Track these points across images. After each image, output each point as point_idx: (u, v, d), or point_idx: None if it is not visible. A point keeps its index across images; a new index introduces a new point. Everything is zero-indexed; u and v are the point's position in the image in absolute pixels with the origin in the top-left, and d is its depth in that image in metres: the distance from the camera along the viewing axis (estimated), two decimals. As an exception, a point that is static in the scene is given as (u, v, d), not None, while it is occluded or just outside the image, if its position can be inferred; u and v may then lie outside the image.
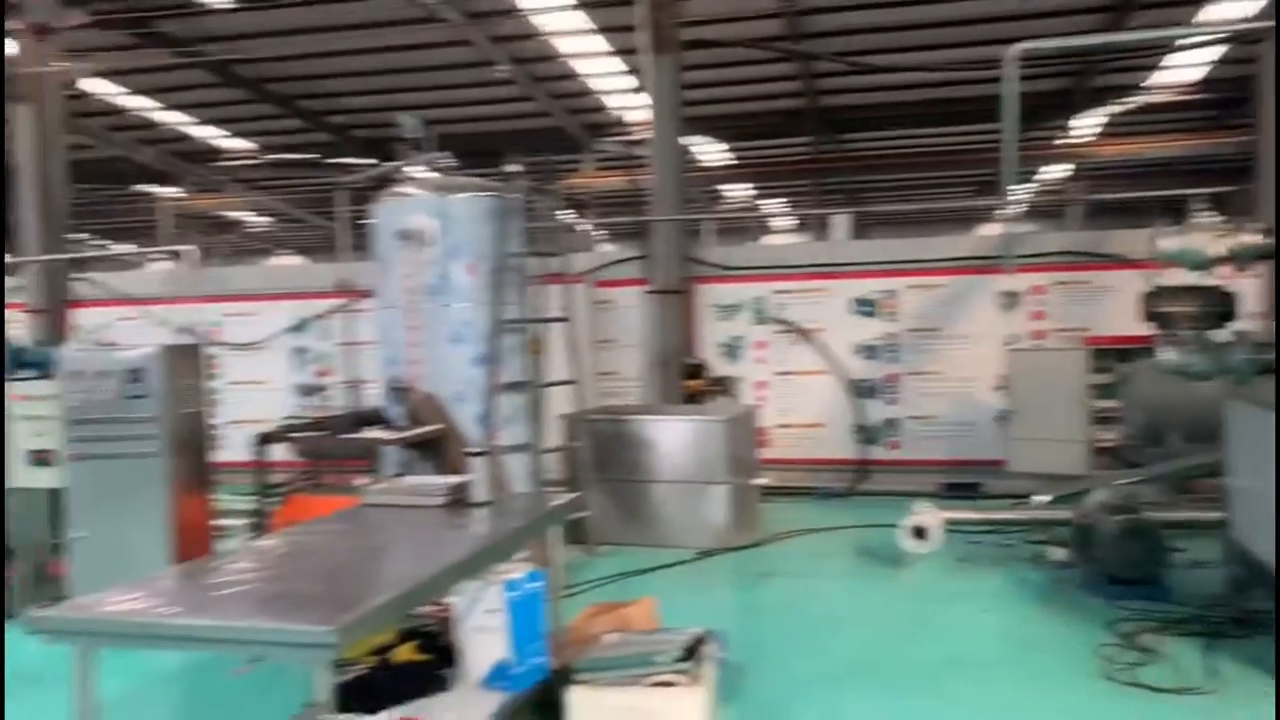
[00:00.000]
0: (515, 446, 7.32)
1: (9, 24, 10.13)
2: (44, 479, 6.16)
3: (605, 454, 8.03)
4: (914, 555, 7.12)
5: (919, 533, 7.09)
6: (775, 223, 29.44)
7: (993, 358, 9.69)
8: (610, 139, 18.06)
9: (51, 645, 3.07)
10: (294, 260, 31.56)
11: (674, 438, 8.07)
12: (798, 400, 10.37)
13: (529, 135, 19.41)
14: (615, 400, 10.22)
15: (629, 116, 15.41)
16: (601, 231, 24.37)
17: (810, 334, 10.28)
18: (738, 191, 24.89)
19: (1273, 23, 9.01)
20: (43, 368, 6.46)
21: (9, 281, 10.22)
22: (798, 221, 28.53)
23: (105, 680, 5.05)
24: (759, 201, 26.50)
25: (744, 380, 10.44)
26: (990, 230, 20.29)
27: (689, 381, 10.13)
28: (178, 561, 5.56)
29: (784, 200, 26.85)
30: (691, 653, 4.23)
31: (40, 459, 6.13)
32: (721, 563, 7.56)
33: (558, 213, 8.02)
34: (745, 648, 5.32)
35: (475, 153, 13.58)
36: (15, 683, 5.42)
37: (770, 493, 8.96)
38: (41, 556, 6.32)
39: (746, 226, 29.26)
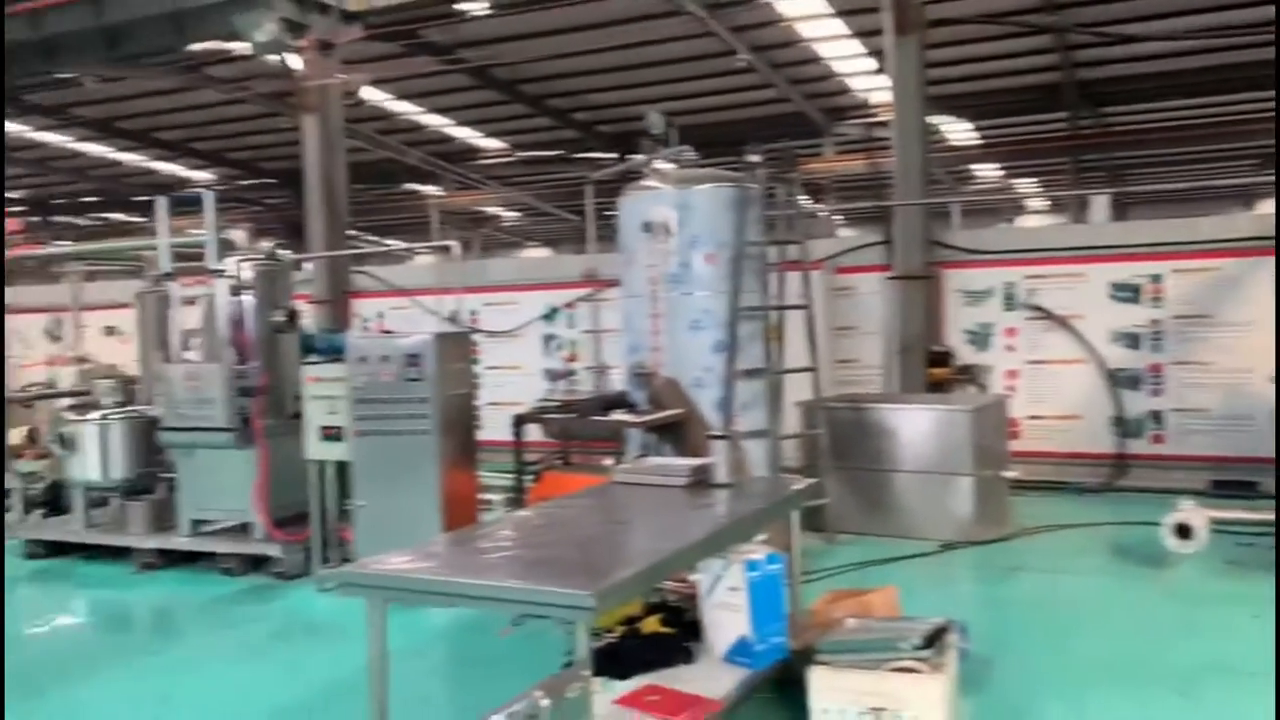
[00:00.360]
0: (754, 432, 7.45)
1: (298, 43, 11.21)
2: (333, 452, 6.84)
3: (844, 442, 8.01)
4: (1176, 555, 6.69)
5: (1183, 531, 6.65)
6: (1028, 204, 28.02)
7: (1271, 347, 8.88)
8: (851, 122, 17.84)
9: (346, 598, 3.44)
10: (542, 252, 33.04)
11: (917, 427, 7.94)
12: (1051, 390, 9.91)
13: (768, 122, 19.42)
14: (854, 388, 10.13)
15: (871, 99, 15.14)
16: (841, 217, 24.06)
17: (1065, 321, 9.79)
18: (987, 172, 23.90)
19: None
20: (333, 352, 7.18)
21: (298, 275, 11.33)
22: (1052, 202, 27.03)
23: (390, 636, 5.62)
24: (1010, 182, 25.33)
25: (992, 369, 10.08)
26: (1271, 208, 18.48)
27: (933, 370, 9.90)
28: (446, 530, 6.06)
29: (1037, 180, 25.54)
30: (933, 641, 4.20)
31: (330, 434, 6.81)
32: (966, 556, 7.39)
33: (798, 199, 8.02)
34: (989, 642, 5.21)
35: (715, 142, 13.79)
36: (305, 635, 6.11)
37: (1020, 486, 8.63)
38: (331, 522, 7.04)
39: (997, 208, 28.04)
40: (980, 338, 10.17)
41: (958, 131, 19.06)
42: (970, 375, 9.94)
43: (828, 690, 4.16)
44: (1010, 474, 8.24)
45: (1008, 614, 6.07)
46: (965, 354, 10.09)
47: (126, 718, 4.95)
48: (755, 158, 7.36)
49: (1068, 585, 6.63)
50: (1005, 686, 4.84)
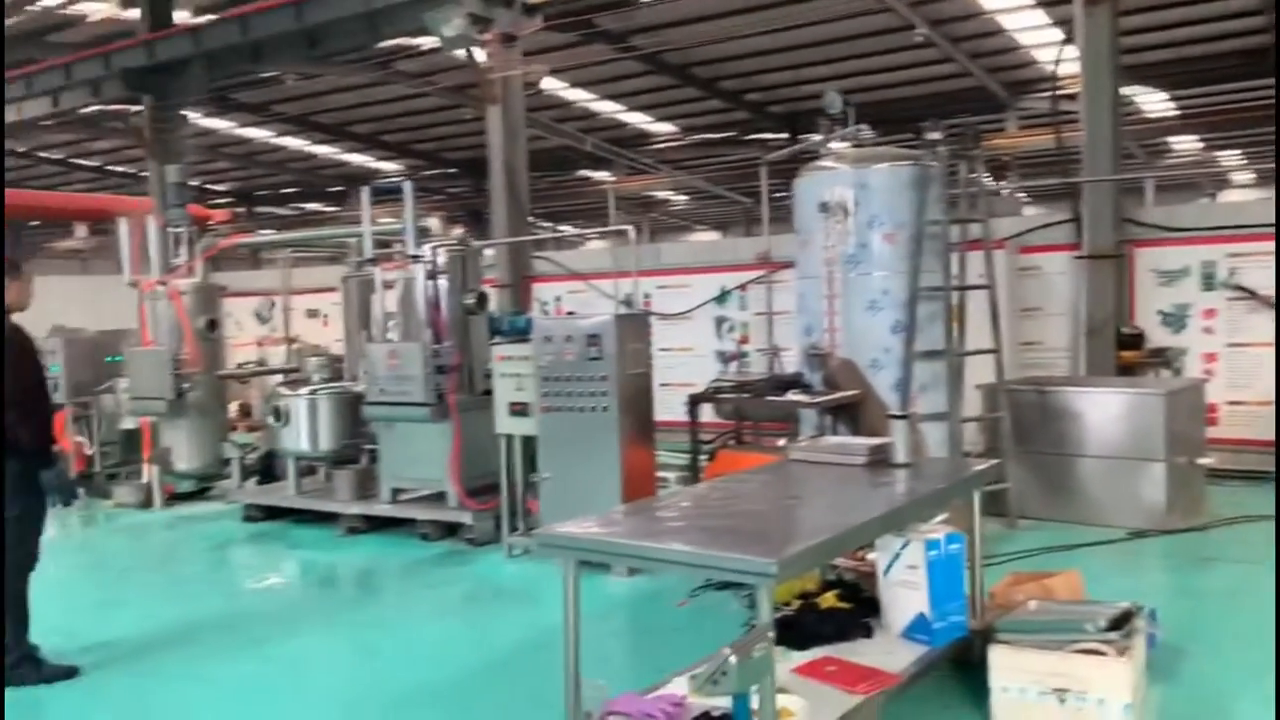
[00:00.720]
0: (933, 415, 7.38)
1: (481, 37, 11.67)
2: (521, 427, 7.19)
3: (1028, 426, 7.81)
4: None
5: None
6: (1232, 178, 26.22)
7: None
8: (1037, 96, 17.16)
9: (533, 565, 3.67)
10: (710, 236, 33.18)
11: (1106, 411, 7.66)
12: (1253, 375, 9.34)
13: (947, 98, 18.92)
14: (1039, 371, 9.83)
15: (1058, 70, 14.55)
16: (1026, 194, 23.15)
17: (1270, 302, 9.21)
18: (1186, 145, 22.51)
19: None
20: (517, 333, 7.54)
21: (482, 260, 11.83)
22: (1257, 175, 25.20)
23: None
24: (1212, 155, 23.77)
25: (1188, 352, 9.58)
26: None
27: (1124, 352, 9.49)
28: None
29: (1241, 152, 23.87)
30: (1120, 625, 4.12)
31: (517, 410, 7.15)
32: (1156, 544, 7.10)
33: (980, 176, 7.85)
34: (1181, 631, 5.05)
35: (891, 120, 13.58)
36: (494, 598, 6.47)
37: (1217, 475, 8.21)
38: (519, 493, 7.41)
39: (1196, 183, 26.36)
40: (1175, 319, 9.67)
41: (1152, 102, 18.05)
42: (1163, 358, 9.48)
43: (1008, 669, 4.15)
44: (1206, 461, 7.86)
45: (1201, 605, 5.83)
46: (1158, 336, 9.62)
47: (337, 667, 5.39)
48: (935, 135, 7.26)
49: (1266, 578, 6.29)
50: (1197, 677, 4.69)
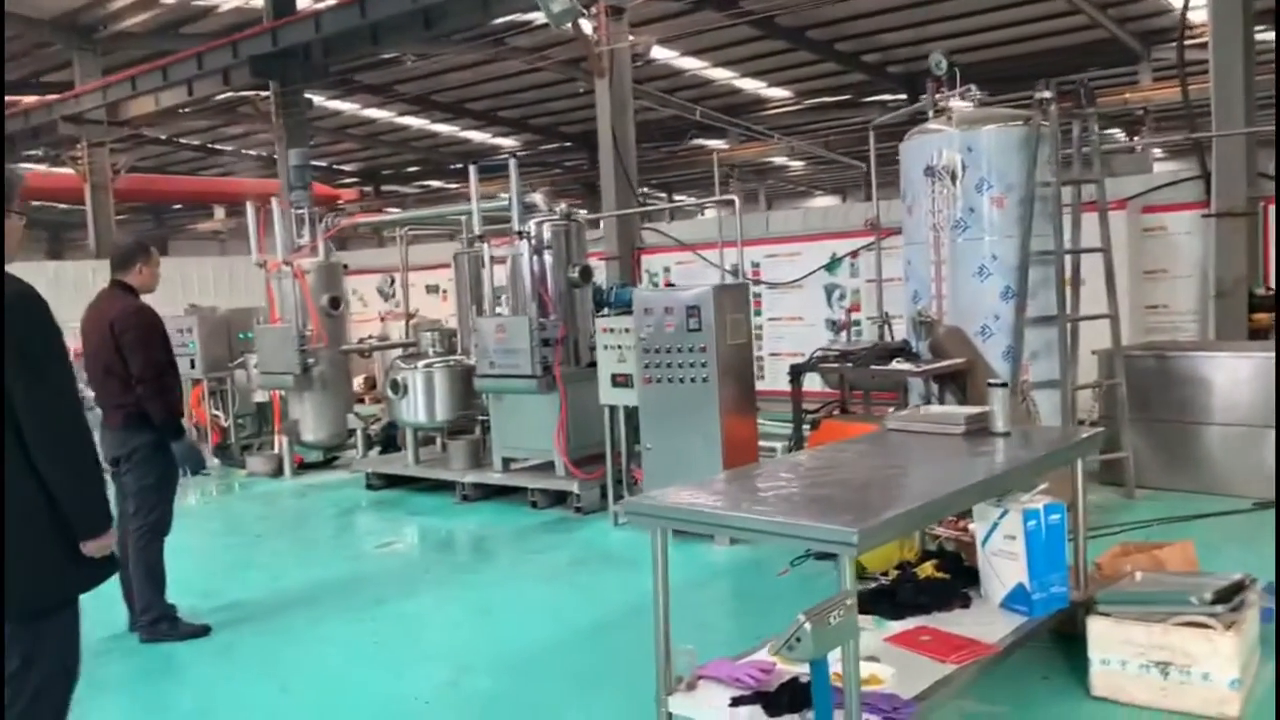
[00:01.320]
0: (1045, 382, 7.20)
1: (590, 9, 11.76)
2: (624, 398, 7.31)
3: (1147, 392, 7.53)
4: None
5: None
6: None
7: None
8: (1172, 45, 16.32)
9: (637, 533, 3.76)
10: (829, 201, 32.68)
11: (1234, 376, 7.31)
12: (1402, 336, 8.77)
13: (1078, 51, 18.20)
14: (1165, 336, 9.44)
15: (1184, 16, 13.80)
16: (1160, 150, 22.07)
17: None
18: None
19: None
20: (623, 305, 7.65)
21: (590, 234, 11.98)
22: None
23: (674, 569, 5.98)
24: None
25: (1328, 314, 9.05)
26: None
27: (1257, 315, 9.04)
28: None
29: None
30: (1229, 597, 3.99)
31: (620, 381, 7.28)
32: (1286, 515, 6.78)
33: (1095, 135, 7.56)
34: (1303, 605, 4.83)
35: (1017, 77, 13.10)
36: (601, 564, 6.63)
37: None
38: (623, 463, 7.54)
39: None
40: (1315, 280, 9.15)
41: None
42: (1301, 320, 9.00)
43: (1108, 641, 4.08)
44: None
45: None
46: (1295, 297, 9.13)
47: (449, 627, 5.64)
48: (1046, 94, 7.02)
49: None
50: (1318, 653, 4.49)
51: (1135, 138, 18.62)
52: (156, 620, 5.44)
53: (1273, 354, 7.40)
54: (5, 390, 2.96)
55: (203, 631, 5.51)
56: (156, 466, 5.45)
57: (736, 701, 3.66)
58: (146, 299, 5.56)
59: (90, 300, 5.63)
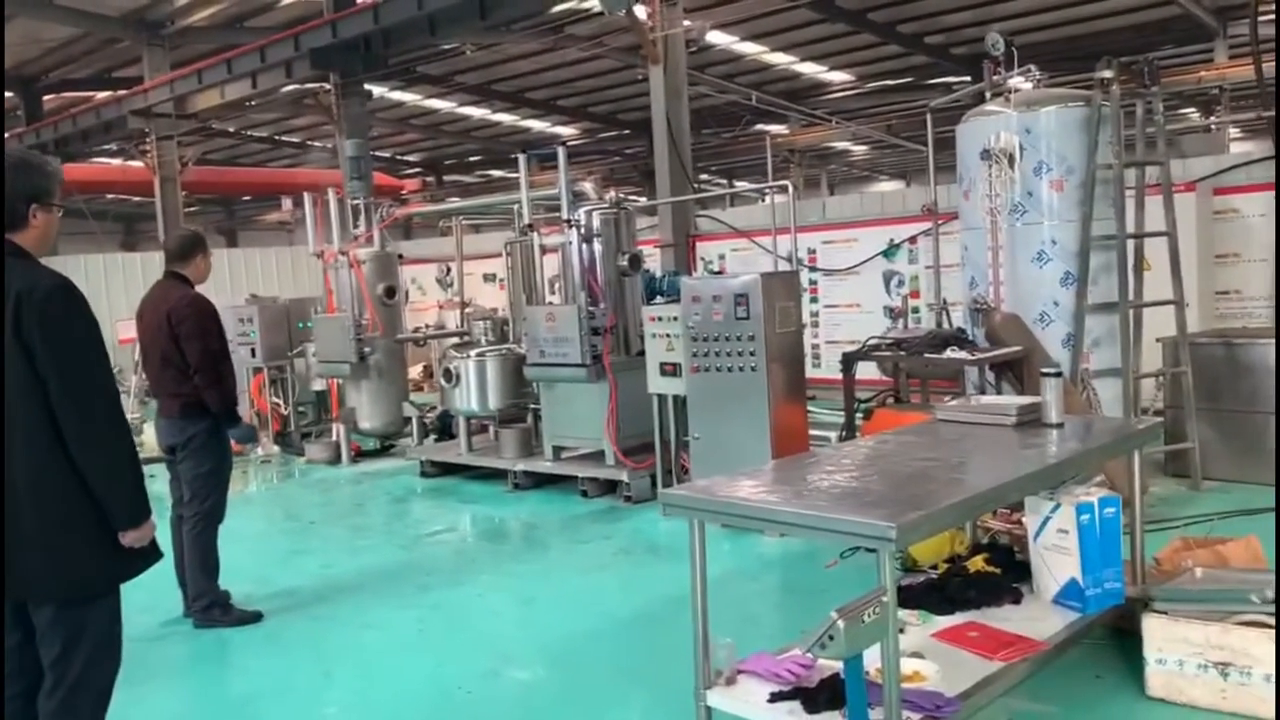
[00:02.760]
0: (1106, 370, 6.98)
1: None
2: (672, 387, 7.26)
3: (1216, 381, 7.27)
4: None
5: None
6: None
7: None
8: (1246, 21, 15.72)
9: (672, 520, 3.72)
10: (892, 185, 32.19)
11: (1307, 364, 7.04)
12: None
13: (1152, 29, 17.63)
14: (1236, 322, 9.10)
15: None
16: (1238, 130, 21.30)
17: None
18: None
19: None
20: (675, 293, 7.59)
21: (644, 221, 11.93)
22: None
23: (723, 560, 5.94)
24: None
25: None
26: None
27: (1334, 300, 8.67)
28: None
29: None
30: (1293, 597, 3.82)
31: (669, 370, 7.23)
32: (1364, 510, 6.50)
33: (1172, 113, 7.30)
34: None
35: (1082, 57, 12.72)
36: (648, 554, 6.59)
37: None
38: (673, 452, 7.50)
39: None
40: (1399, 262, 8.73)
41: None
42: (1384, 306, 8.61)
43: (1164, 640, 3.93)
44: None
45: None
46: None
47: (494, 615, 5.65)
48: (1107, 73, 6.78)
49: None
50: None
51: (1210, 117, 17.98)
52: (209, 606, 5.53)
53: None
54: (41, 382, 3.00)
55: (254, 618, 5.60)
56: (212, 455, 5.54)
57: (775, 697, 3.60)
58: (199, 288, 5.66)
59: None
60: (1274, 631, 3.68)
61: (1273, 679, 3.69)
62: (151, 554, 3.27)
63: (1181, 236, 7.39)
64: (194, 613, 5.56)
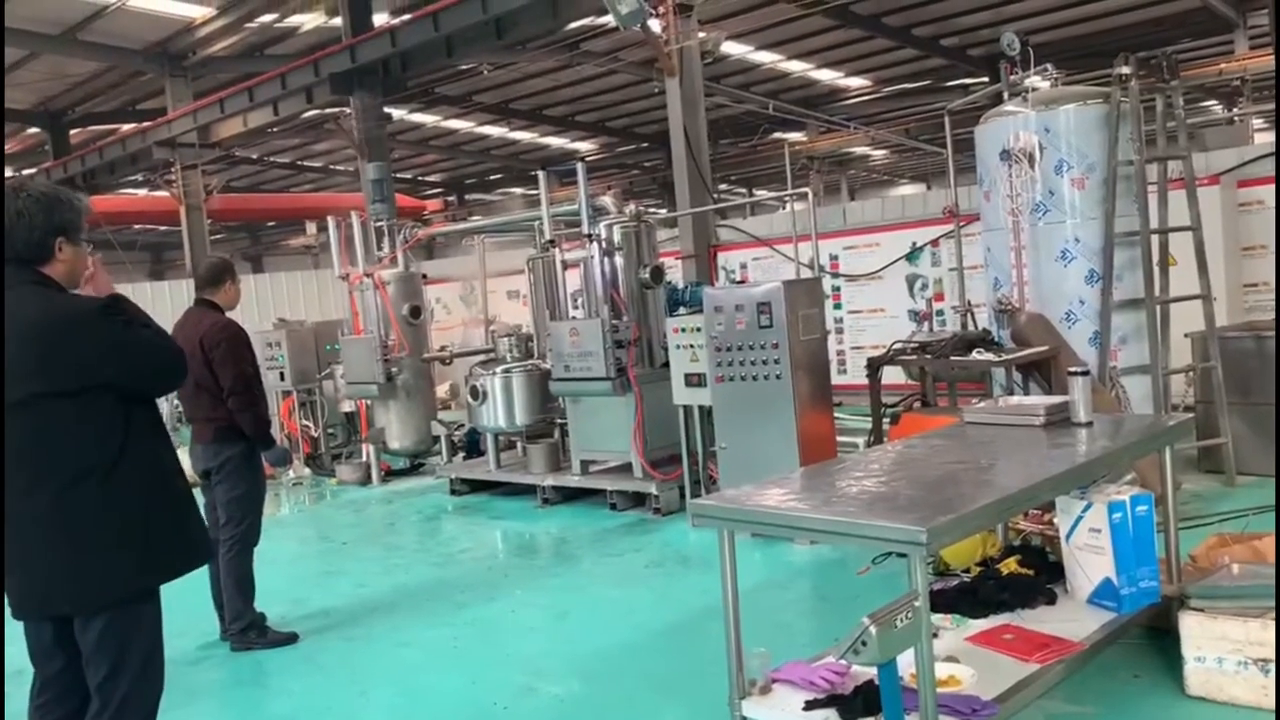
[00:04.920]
0: (1135, 368, 6.93)
1: (658, 9, 11.73)
2: (697, 398, 7.26)
3: (1247, 375, 7.19)
4: None
5: None
6: None
7: None
8: (1265, 10, 15.59)
9: (712, 530, 3.72)
10: (913, 189, 32.07)
11: (1340, 355, 6.95)
12: None
13: (1170, 23, 17.53)
14: (1264, 314, 9.00)
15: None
16: (1262, 120, 21.09)
17: None
18: None
19: None
20: (698, 304, 7.60)
21: (665, 233, 11.95)
22: None
23: (754, 569, 5.93)
24: None
25: None
26: None
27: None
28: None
29: None
30: (1333, 591, 3.77)
31: (694, 381, 7.23)
32: (1404, 501, 6.40)
33: (1193, 106, 7.26)
34: None
35: (1100, 53, 12.65)
36: (678, 565, 6.59)
37: None
38: (700, 463, 7.50)
39: None
40: None
41: None
42: None
43: (1202, 638, 3.90)
44: None
45: None
46: None
47: (527, 631, 5.66)
48: (1125, 69, 6.75)
49: None
50: None
51: (1233, 109, 17.83)
52: (246, 629, 5.58)
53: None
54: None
55: (290, 639, 5.64)
56: (246, 478, 5.61)
57: (810, 705, 3.59)
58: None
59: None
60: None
61: (1315, 674, 3.65)
62: (200, 554, 3.33)
63: (1207, 230, 7.33)
64: (231, 635, 5.61)
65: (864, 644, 2.92)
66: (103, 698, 3.17)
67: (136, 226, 25.51)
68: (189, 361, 5.46)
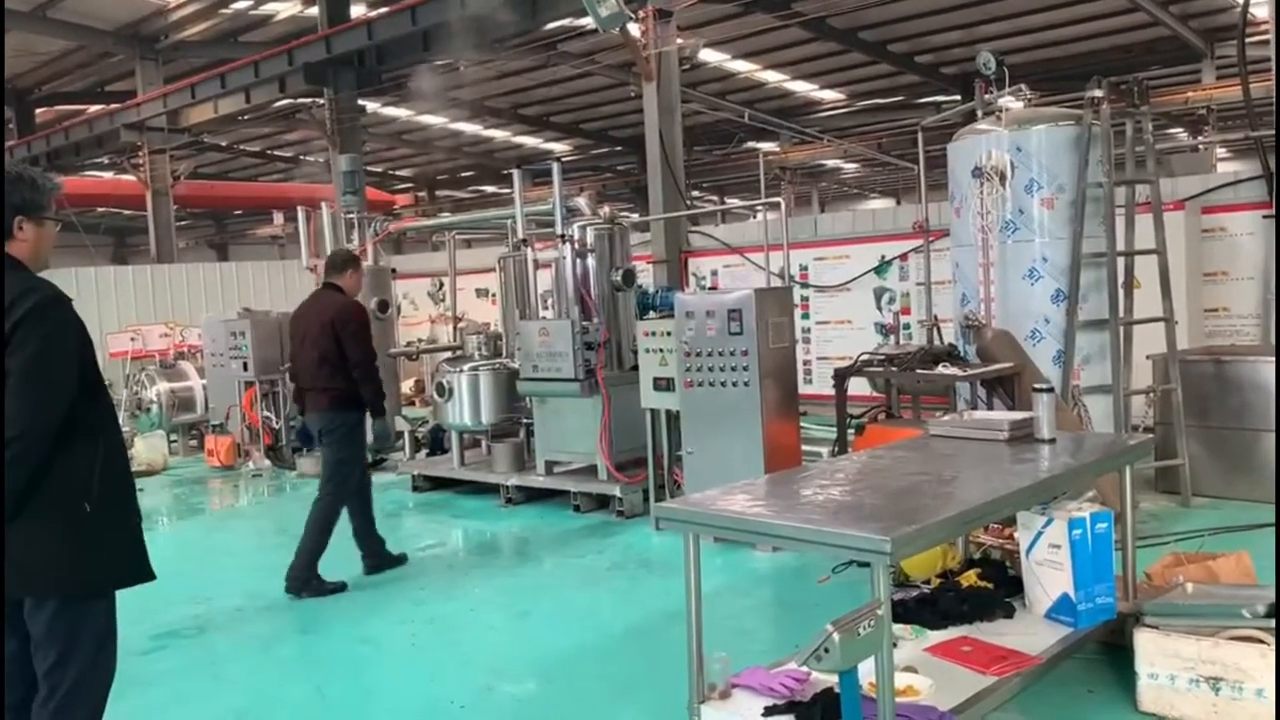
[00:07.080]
0: (1097, 387, 7.03)
1: (638, 13, 11.74)
2: (665, 402, 7.27)
3: (1205, 398, 7.32)
4: None
5: None
6: None
7: None
8: (1234, 42, 15.89)
9: (675, 534, 3.72)
10: (883, 203, 32.34)
11: (1295, 382, 7.09)
12: None
13: (1140, 49, 17.83)
14: (1224, 340, 9.17)
15: (1255, 13, 13.41)
16: (1225, 150, 21.49)
17: None
18: None
19: None
20: (668, 308, 7.61)
21: (638, 237, 11.95)
22: None
23: (716, 575, 5.93)
24: None
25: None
26: None
27: (1321, 319, 8.74)
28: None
29: None
30: (1284, 612, 3.84)
31: (662, 385, 7.24)
32: (1352, 527, 6.54)
33: (1160, 133, 7.39)
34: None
35: (1074, 77, 12.83)
36: (640, 568, 6.59)
37: None
38: (664, 466, 7.50)
39: None
40: (1382, 282, 8.81)
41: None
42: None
43: (1155, 655, 3.95)
44: None
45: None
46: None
47: (486, 629, 5.64)
48: (1098, 92, 6.86)
49: None
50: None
51: (1198, 137, 18.14)
52: (309, 578, 6.24)
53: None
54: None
55: (340, 588, 6.30)
56: (351, 445, 6.40)
57: (770, 711, 3.61)
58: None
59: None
60: (1271, 647, 3.69)
61: (1265, 693, 3.71)
62: (147, 570, 3.26)
63: (1171, 254, 7.45)
64: (292, 578, 6.23)
65: (826, 651, 2.93)
66: (50, 685, 3.10)
67: (100, 209, 25.12)
68: (317, 336, 6.19)
